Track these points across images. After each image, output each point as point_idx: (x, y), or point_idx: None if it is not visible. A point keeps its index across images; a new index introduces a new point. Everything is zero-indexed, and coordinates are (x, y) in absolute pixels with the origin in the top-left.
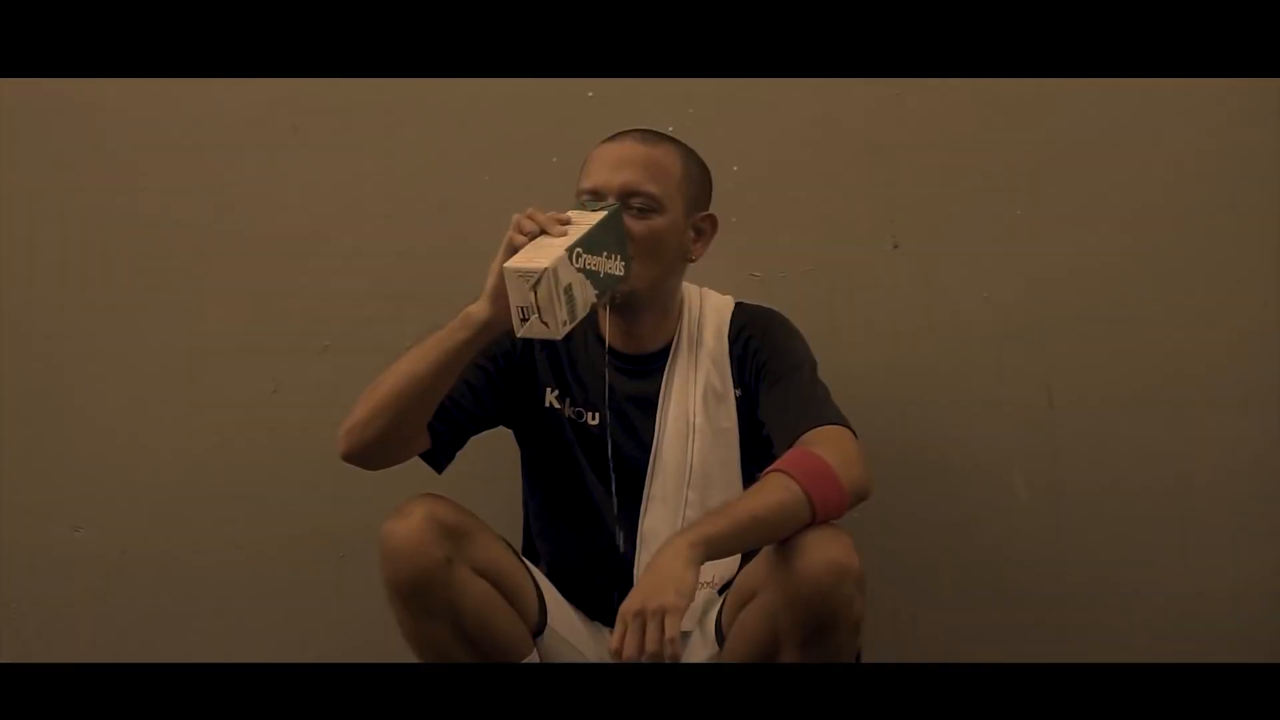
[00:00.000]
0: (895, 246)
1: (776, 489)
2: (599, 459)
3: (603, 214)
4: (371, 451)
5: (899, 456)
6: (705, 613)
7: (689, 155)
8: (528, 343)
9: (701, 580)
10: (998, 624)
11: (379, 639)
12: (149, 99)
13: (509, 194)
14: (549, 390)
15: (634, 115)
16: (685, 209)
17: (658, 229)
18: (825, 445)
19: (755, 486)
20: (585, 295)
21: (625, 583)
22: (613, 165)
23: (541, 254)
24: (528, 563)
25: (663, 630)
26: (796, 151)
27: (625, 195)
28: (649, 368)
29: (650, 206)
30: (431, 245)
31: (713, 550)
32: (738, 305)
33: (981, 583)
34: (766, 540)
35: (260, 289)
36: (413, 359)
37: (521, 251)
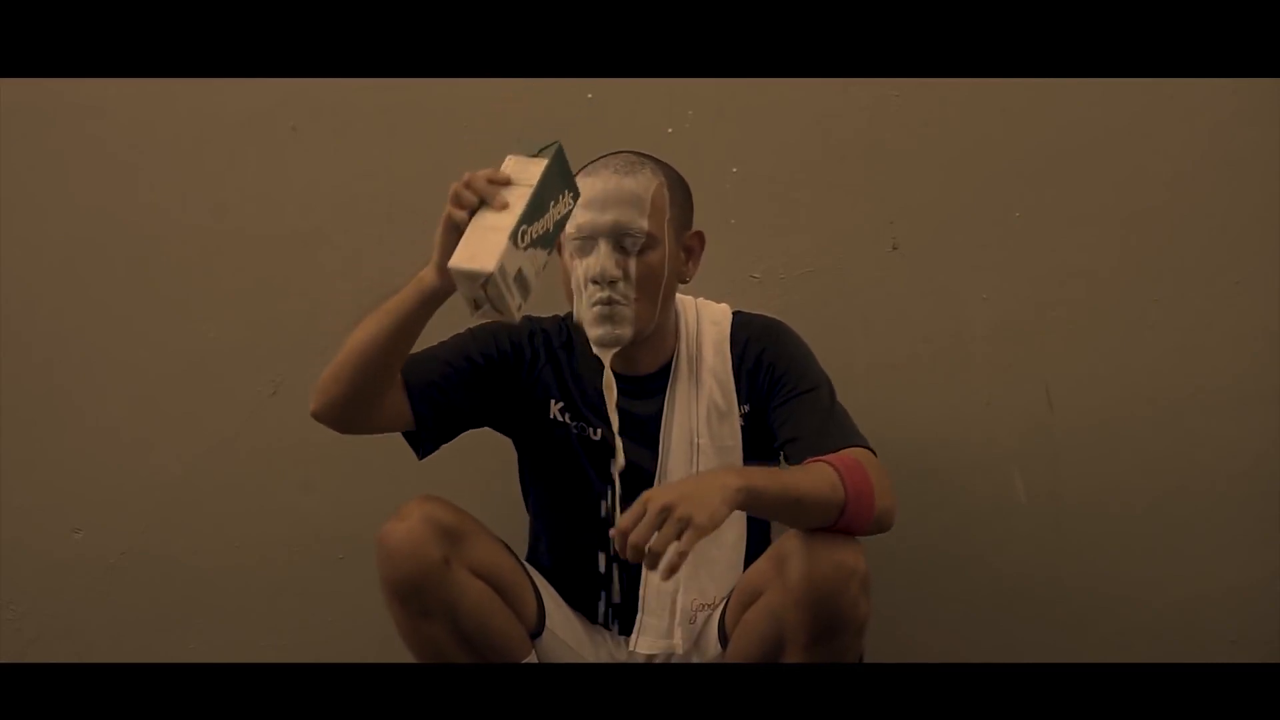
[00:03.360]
0: (895, 248)
1: (825, 484)
2: (604, 471)
3: (544, 163)
4: (337, 412)
5: (898, 458)
6: (703, 630)
7: (669, 175)
8: (533, 352)
9: (703, 601)
10: (998, 625)
11: (378, 639)
12: (149, 99)
13: None
14: (554, 402)
15: (633, 117)
16: (675, 233)
17: (654, 264)
18: (871, 469)
19: (806, 470)
20: (536, 264)
21: (630, 595)
22: (598, 204)
23: (485, 246)
24: (527, 565)
25: (678, 539)
26: (796, 153)
27: (617, 235)
28: (649, 388)
29: (646, 244)
30: (431, 247)
31: (750, 503)
32: (736, 315)
33: (981, 584)
34: (787, 521)
35: (260, 289)
36: (372, 322)
37: (464, 242)
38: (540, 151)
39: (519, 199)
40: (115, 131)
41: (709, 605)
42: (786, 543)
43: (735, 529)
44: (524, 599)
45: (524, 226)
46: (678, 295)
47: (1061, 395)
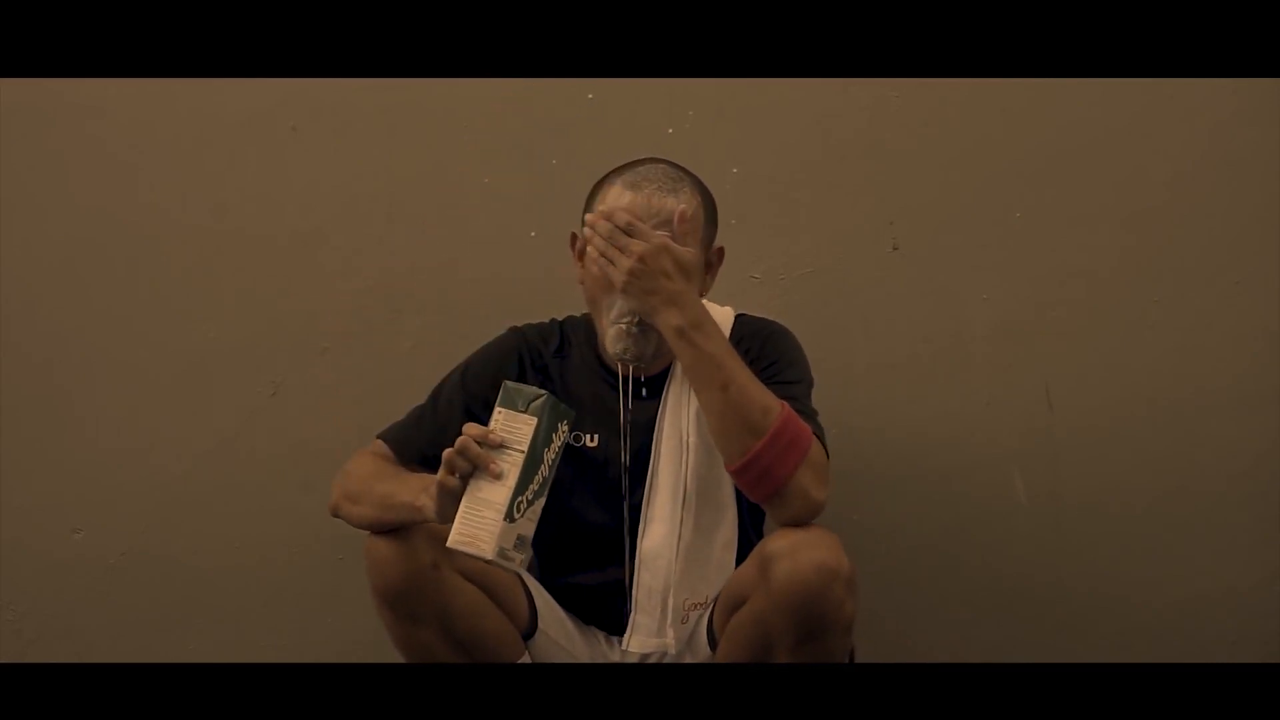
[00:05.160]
0: (895, 249)
1: (762, 403)
2: (598, 481)
3: (534, 422)
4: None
5: (898, 458)
6: (694, 631)
7: (702, 191)
8: (518, 376)
9: (694, 600)
10: (998, 625)
11: (377, 639)
12: (149, 99)
13: (509, 196)
14: None
15: (633, 117)
16: (704, 251)
17: None
18: (813, 450)
19: (760, 383)
20: (535, 515)
21: (626, 601)
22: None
23: (482, 526)
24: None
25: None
26: (796, 153)
27: None
28: (651, 390)
29: None
30: (431, 247)
31: (682, 339)
32: (738, 318)
33: (981, 584)
34: (703, 401)
35: (260, 290)
36: (381, 506)
37: (461, 516)
38: (529, 406)
39: (512, 467)
40: (115, 131)
41: (700, 605)
42: (769, 545)
43: (726, 530)
44: (515, 600)
45: (519, 499)
46: None
47: (1061, 395)
